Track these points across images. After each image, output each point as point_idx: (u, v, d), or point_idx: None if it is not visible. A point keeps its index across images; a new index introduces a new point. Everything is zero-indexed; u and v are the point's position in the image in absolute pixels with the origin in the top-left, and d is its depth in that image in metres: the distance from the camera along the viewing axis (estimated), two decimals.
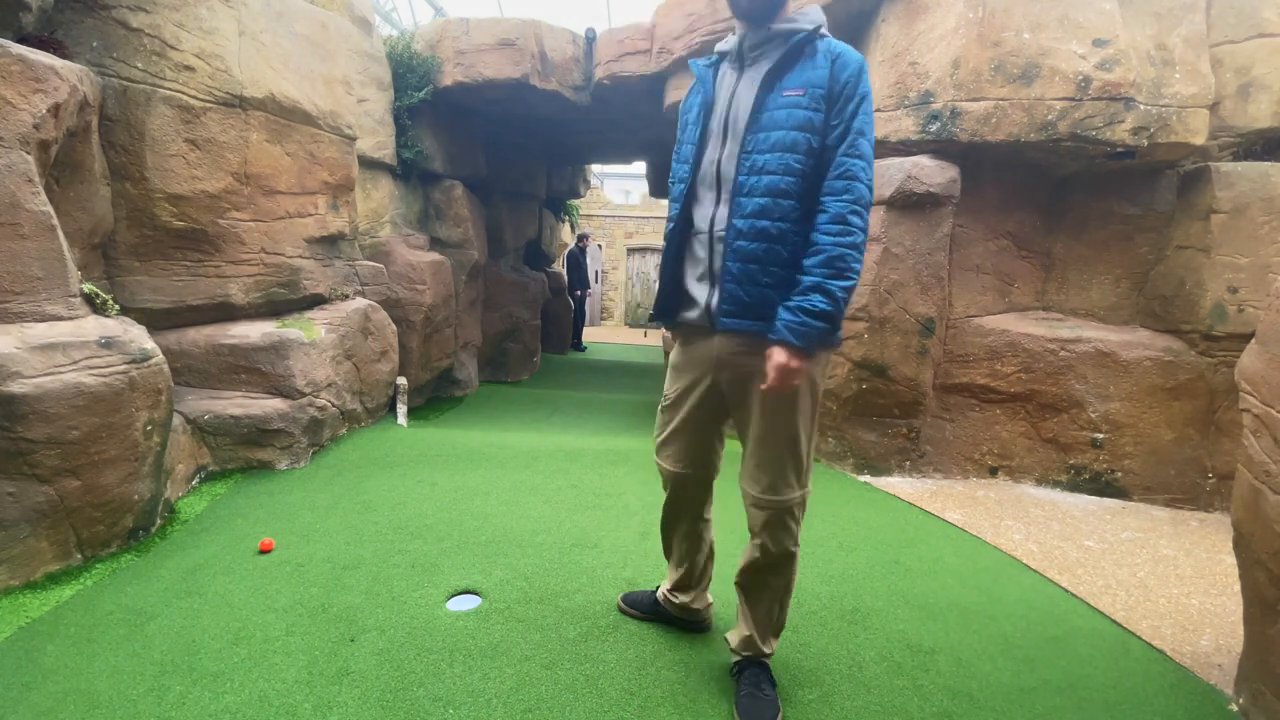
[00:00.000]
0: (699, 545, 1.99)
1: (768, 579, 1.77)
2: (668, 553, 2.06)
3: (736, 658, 1.84)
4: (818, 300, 1.50)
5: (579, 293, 11.02)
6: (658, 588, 2.17)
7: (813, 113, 1.55)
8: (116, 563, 2.48)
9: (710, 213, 1.66)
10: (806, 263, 1.53)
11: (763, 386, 1.56)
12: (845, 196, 1.51)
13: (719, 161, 1.65)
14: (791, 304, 1.53)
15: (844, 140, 1.53)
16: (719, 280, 1.64)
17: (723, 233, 1.62)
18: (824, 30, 1.62)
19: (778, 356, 1.51)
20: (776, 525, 1.70)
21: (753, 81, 1.63)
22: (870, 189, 1.54)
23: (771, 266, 1.58)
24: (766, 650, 1.81)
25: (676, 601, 2.06)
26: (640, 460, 3.88)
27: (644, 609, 2.16)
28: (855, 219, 1.51)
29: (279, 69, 3.73)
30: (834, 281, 1.50)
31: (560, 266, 11.55)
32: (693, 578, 2.03)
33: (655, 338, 12.29)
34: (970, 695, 1.86)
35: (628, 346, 12.04)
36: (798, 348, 1.50)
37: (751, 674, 1.78)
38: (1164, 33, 3.50)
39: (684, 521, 1.96)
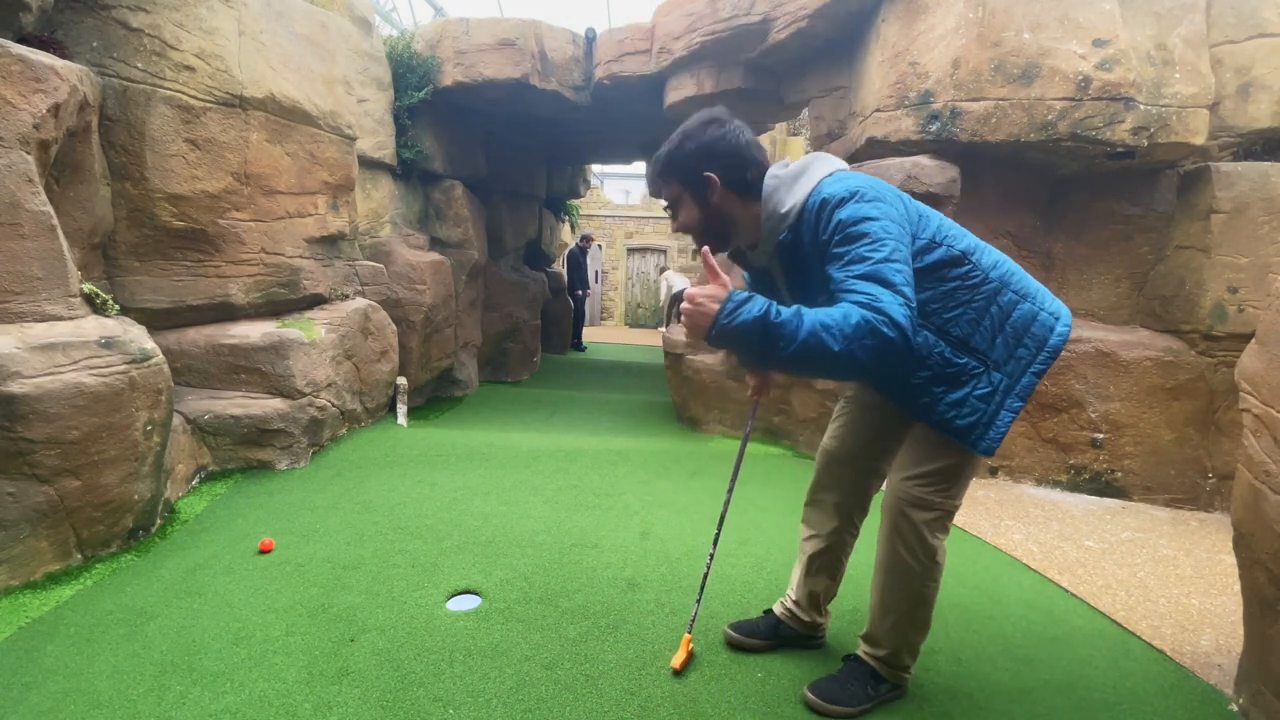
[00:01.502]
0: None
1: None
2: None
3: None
4: (773, 309, 1.27)
5: (579, 292, 11.02)
6: (768, 611, 2.10)
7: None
8: (116, 563, 2.48)
9: None
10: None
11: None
12: (881, 316, 1.29)
13: None
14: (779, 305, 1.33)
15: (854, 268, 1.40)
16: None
17: None
18: (796, 201, 1.53)
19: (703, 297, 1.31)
20: (894, 527, 1.72)
21: None
22: (904, 313, 1.31)
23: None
24: (867, 650, 1.82)
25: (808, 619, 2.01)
26: (640, 460, 3.88)
27: (764, 635, 2.03)
28: (882, 330, 1.28)
29: (279, 69, 3.73)
30: (797, 323, 1.26)
31: (560, 266, 11.55)
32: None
33: (656, 337, 12.28)
34: (970, 695, 1.86)
35: (628, 346, 12.04)
36: (716, 310, 1.28)
37: (847, 665, 1.85)
38: (1164, 33, 3.50)
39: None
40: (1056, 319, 1.65)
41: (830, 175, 1.54)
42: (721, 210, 1.61)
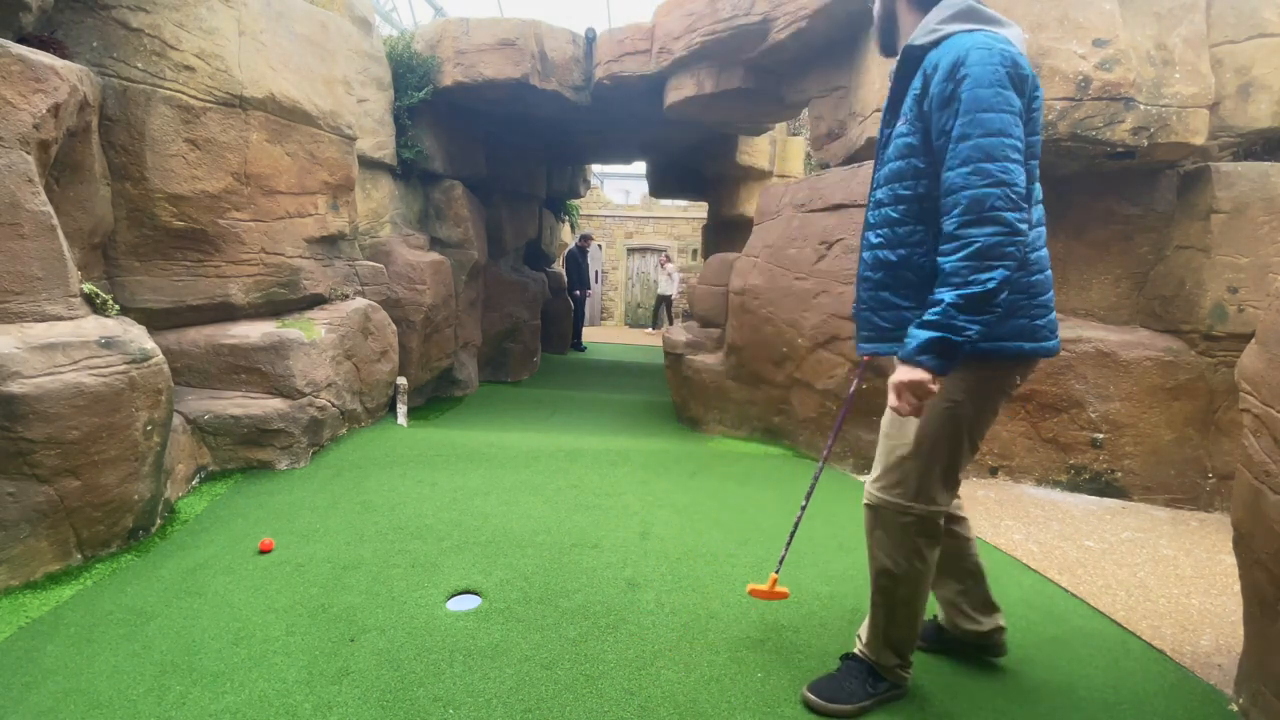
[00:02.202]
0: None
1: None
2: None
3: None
4: (930, 313, 1.45)
5: (578, 292, 11.01)
6: (934, 617, 2.07)
7: (911, 137, 1.57)
8: (116, 563, 2.48)
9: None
10: (937, 285, 1.48)
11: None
12: (954, 213, 1.44)
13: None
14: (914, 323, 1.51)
15: (946, 152, 1.47)
16: (856, 309, 1.78)
17: (859, 266, 1.77)
18: (941, 33, 1.54)
19: (894, 374, 1.52)
20: (870, 528, 1.73)
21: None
22: (984, 185, 1.40)
23: (902, 289, 1.62)
24: (862, 648, 1.82)
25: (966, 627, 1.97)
26: (640, 460, 3.88)
27: (928, 636, 2.03)
28: (969, 230, 1.41)
29: (279, 69, 3.73)
30: (949, 292, 1.43)
31: (560, 266, 11.56)
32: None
33: (656, 337, 12.28)
34: (970, 695, 1.86)
35: (628, 346, 12.04)
36: (906, 360, 1.48)
37: (845, 664, 1.84)
38: (1164, 33, 3.50)
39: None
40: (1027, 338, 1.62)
41: (979, 32, 1.50)
42: (891, 9, 1.72)
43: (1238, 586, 1.91)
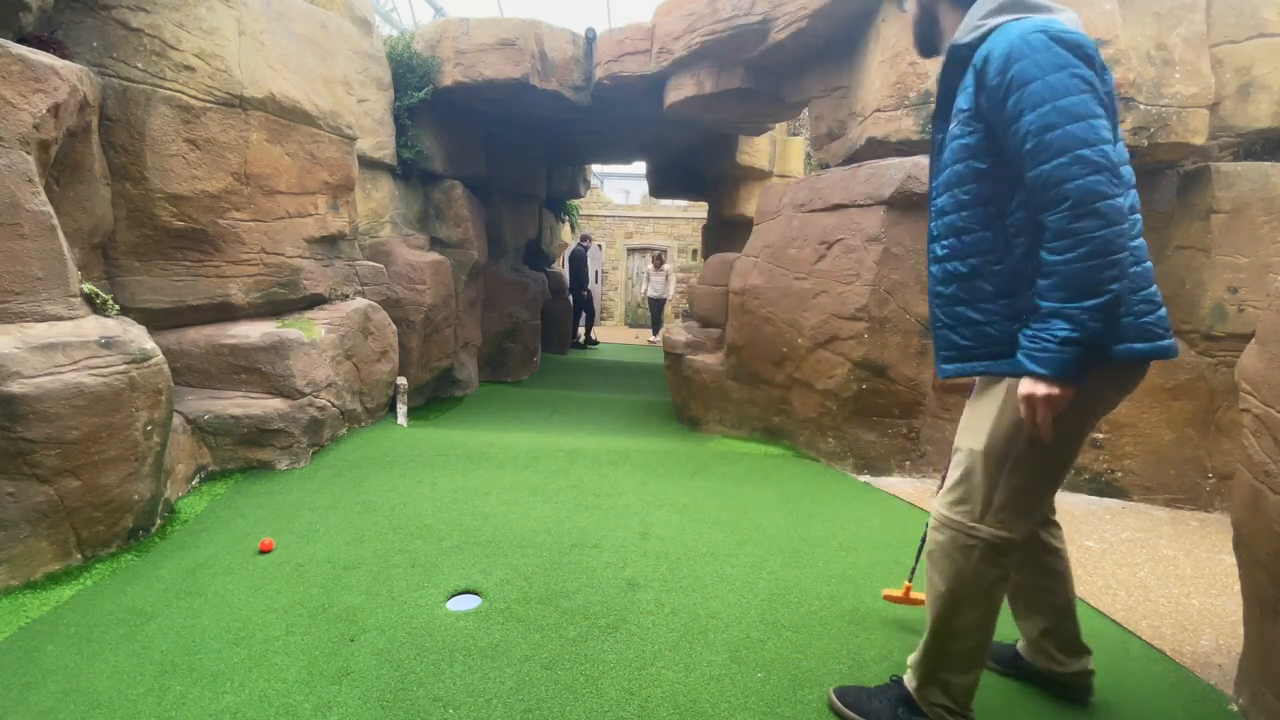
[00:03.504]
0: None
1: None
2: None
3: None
4: (1059, 328, 1.31)
5: (585, 291, 11.23)
6: (1015, 642, 1.95)
7: (967, 138, 1.48)
8: (116, 563, 2.48)
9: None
10: (1041, 285, 1.35)
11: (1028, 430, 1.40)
12: (1061, 208, 1.29)
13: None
14: (1030, 331, 1.37)
15: (1022, 149, 1.34)
16: (933, 327, 1.65)
17: (929, 281, 1.64)
18: (986, 26, 1.44)
19: (1022, 387, 1.37)
20: (931, 547, 1.60)
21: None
22: (1087, 173, 1.27)
23: (980, 302, 1.49)
24: (908, 675, 1.68)
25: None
26: (640, 460, 3.88)
27: (1002, 661, 1.94)
28: (1083, 222, 1.27)
29: (279, 69, 3.73)
30: (1075, 304, 1.29)
31: (560, 266, 11.61)
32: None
33: (658, 341, 12.29)
34: None
35: (628, 346, 12.04)
36: (1043, 375, 1.33)
37: (889, 682, 1.76)
38: (1164, 33, 3.50)
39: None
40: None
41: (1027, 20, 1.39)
42: (930, 9, 1.64)
43: (1238, 586, 1.91)
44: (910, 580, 2.22)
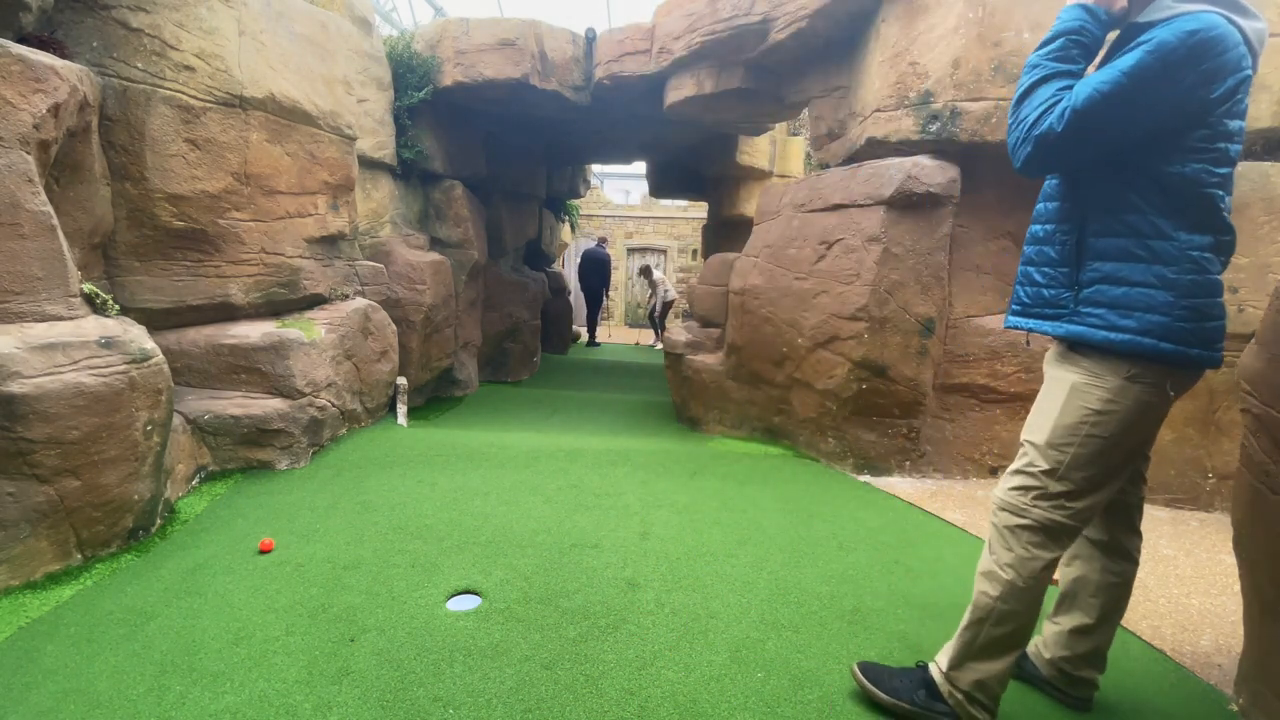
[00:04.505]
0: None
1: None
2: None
3: None
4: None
5: (606, 292, 11.84)
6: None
7: None
8: (116, 563, 2.48)
9: None
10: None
11: None
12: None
13: None
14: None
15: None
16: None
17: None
18: (1173, 10, 1.41)
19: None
20: (992, 523, 1.65)
21: None
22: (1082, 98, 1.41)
23: (1043, 267, 1.63)
24: (939, 660, 1.70)
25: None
26: (640, 460, 3.88)
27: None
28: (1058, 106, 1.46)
29: (279, 69, 3.73)
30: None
31: (560, 266, 11.68)
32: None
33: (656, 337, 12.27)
34: None
35: (628, 346, 12.04)
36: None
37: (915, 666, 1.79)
38: None
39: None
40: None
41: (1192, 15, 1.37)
42: None
43: (1238, 586, 1.91)
44: None
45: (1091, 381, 1.52)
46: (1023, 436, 1.65)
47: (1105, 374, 1.51)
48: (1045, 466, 1.56)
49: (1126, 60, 1.38)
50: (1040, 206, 1.67)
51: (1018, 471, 1.62)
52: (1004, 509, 1.61)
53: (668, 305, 11.86)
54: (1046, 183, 1.68)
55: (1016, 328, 1.70)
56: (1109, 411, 1.51)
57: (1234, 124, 1.43)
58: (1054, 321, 1.59)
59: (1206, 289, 1.48)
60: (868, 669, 1.80)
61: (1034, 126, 1.49)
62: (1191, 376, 1.56)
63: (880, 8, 4.07)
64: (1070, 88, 1.47)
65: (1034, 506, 1.56)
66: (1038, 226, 1.66)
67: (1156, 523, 3.35)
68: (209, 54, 3.38)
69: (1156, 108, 1.39)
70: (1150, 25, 1.43)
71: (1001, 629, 1.59)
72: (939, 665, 1.70)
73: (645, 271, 12.06)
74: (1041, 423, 1.60)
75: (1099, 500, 1.57)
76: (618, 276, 16.37)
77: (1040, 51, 1.56)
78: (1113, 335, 1.48)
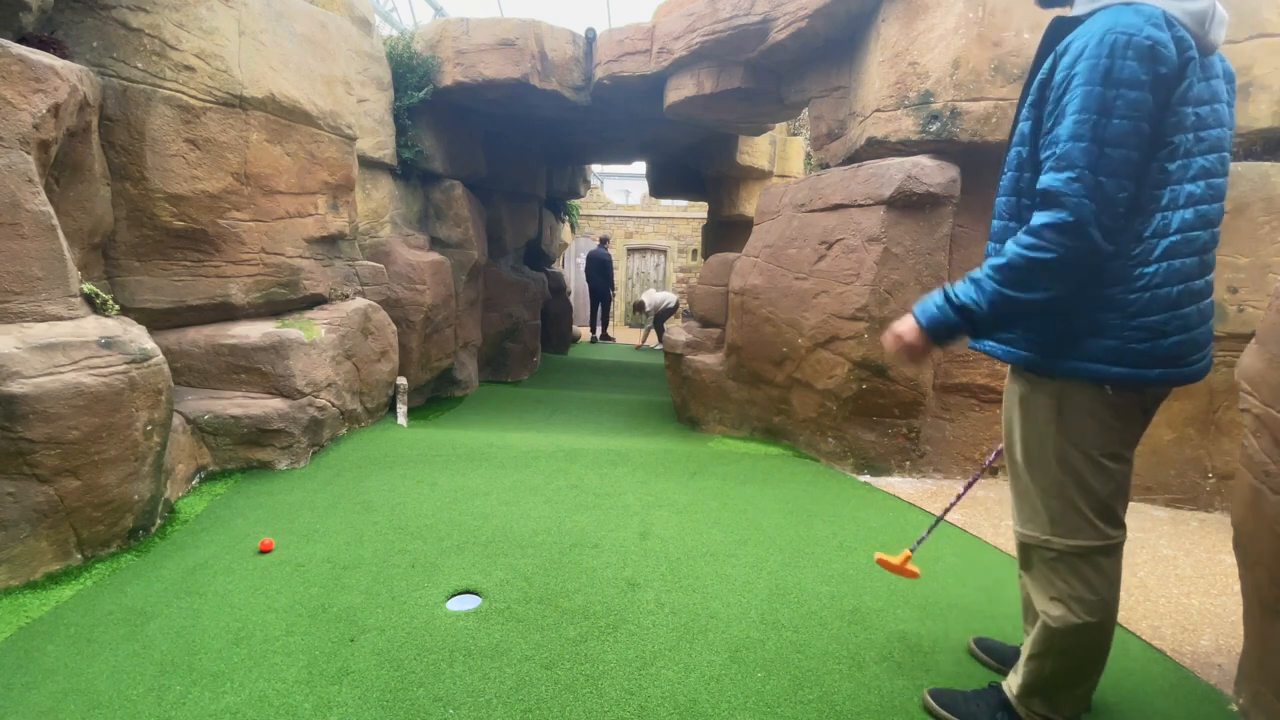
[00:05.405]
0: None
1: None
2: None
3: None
4: (960, 288, 1.43)
5: (611, 292, 12.36)
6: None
7: (1025, 121, 1.46)
8: (116, 563, 2.48)
9: None
10: (988, 251, 1.49)
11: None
12: (1046, 212, 1.33)
13: None
14: (946, 288, 1.47)
15: (1048, 147, 1.35)
16: None
17: None
18: (1099, 4, 1.35)
19: (898, 324, 1.52)
20: (1028, 565, 1.59)
21: None
22: (1082, 202, 1.28)
23: None
24: (1010, 683, 1.67)
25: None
26: (640, 460, 3.88)
27: (1006, 663, 1.94)
28: (1049, 234, 1.31)
29: (279, 69, 3.73)
30: (990, 280, 1.38)
31: (560, 266, 11.71)
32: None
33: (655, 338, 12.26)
34: None
35: (628, 346, 12.04)
36: (915, 323, 1.48)
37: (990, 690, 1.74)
38: None
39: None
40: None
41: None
42: None
43: (1238, 586, 1.91)
44: (911, 550, 2.10)
45: (1038, 398, 1.51)
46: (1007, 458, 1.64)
47: (1047, 395, 1.50)
48: (1036, 489, 1.56)
49: (1064, 127, 1.31)
50: (997, 225, 1.56)
51: (1019, 499, 1.60)
52: (1026, 544, 1.59)
53: (669, 311, 11.79)
54: (1002, 200, 1.56)
55: (975, 349, 1.65)
56: (1060, 427, 1.50)
57: (1187, 111, 1.33)
58: (998, 345, 1.56)
59: (1157, 304, 1.41)
60: (939, 695, 1.74)
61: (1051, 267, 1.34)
62: (1163, 390, 1.53)
63: (880, 8, 4.07)
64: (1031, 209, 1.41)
65: (1053, 537, 1.55)
66: (993, 245, 1.56)
67: (1156, 522, 3.35)
68: (209, 54, 3.38)
69: (1128, 116, 1.29)
70: (1073, 23, 1.38)
71: (1068, 660, 1.57)
72: (1011, 688, 1.66)
73: (638, 307, 11.61)
74: (1010, 441, 1.60)
75: (1103, 511, 1.58)
76: (617, 276, 16.39)
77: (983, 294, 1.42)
78: (1063, 364, 1.46)
